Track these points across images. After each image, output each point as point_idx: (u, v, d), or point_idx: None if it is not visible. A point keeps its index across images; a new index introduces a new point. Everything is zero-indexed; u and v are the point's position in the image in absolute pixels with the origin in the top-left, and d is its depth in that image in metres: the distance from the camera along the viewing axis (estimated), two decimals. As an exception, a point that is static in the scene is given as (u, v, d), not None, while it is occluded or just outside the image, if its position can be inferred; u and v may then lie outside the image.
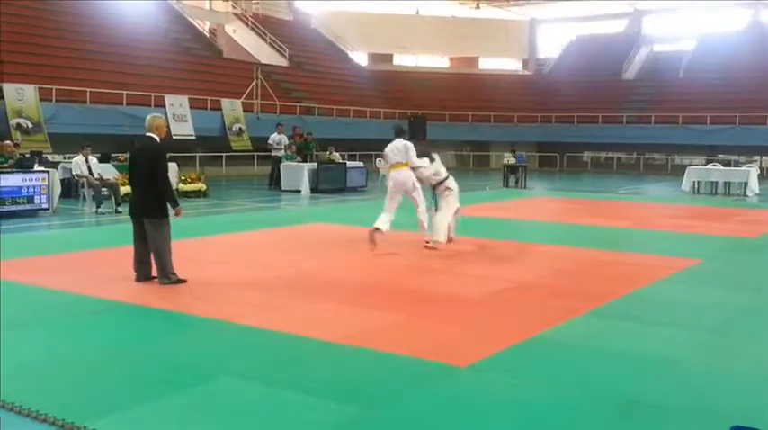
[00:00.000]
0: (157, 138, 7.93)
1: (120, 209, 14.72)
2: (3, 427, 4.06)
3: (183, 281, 7.80)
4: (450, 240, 10.83)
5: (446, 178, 11.07)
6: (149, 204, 7.80)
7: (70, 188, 17.13)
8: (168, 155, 8.52)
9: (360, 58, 45.27)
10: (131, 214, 8.07)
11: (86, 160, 15.90)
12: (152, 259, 7.88)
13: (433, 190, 11.23)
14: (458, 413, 4.40)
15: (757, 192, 22.33)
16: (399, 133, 11.31)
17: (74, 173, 16.23)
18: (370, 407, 4.51)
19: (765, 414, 4.43)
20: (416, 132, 25.41)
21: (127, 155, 13.71)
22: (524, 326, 6.36)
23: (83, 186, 16.37)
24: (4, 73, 21.54)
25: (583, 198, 21.19)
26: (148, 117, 8.11)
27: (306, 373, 5.15)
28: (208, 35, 37.26)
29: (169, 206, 7.89)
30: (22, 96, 21.55)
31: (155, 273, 7.87)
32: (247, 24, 37.94)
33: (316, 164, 21.28)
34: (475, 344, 5.85)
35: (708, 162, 27.35)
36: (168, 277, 7.76)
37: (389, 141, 11.26)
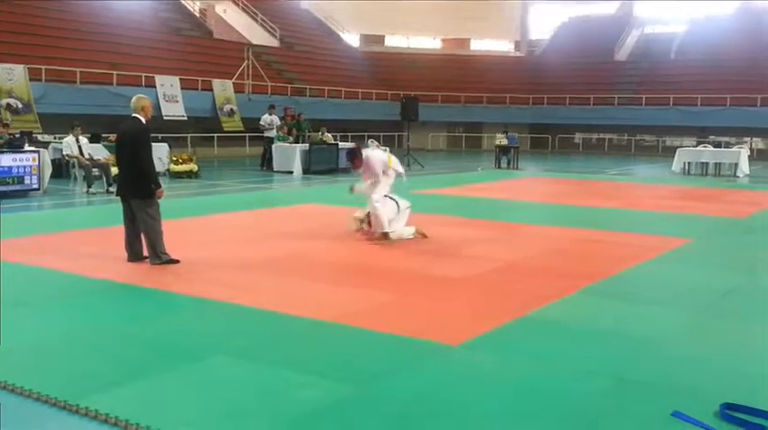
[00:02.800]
0: (143, 120, 7.93)
1: (111, 189, 14.67)
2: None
3: (176, 261, 7.81)
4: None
5: None
6: (135, 185, 7.84)
7: (61, 168, 17.09)
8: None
9: (351, 38, 45.05)
10: (119, 195, 8.14)
11: (77, 140, 15.85)
12: (143, 239, 7.90)
13: None
14: (450, 391, 4.44)
15: (747, 173, 22.44)
16: None
17: (64, 153, 16.18)
18: (363, 385, 4.54)
19: (754, 393, 4.46)
20: (407, 114, 25.33)
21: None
22: (515, 306, 6.40)
23: (74, 166, 16.31)
24: (-8, 53, 21.39)
25: (574, 179, 21.23)
26: (134, 98, 8.14)
27: (298, 352, 5.18)
28: (198, 15, 37.00)
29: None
30: (12, 76, 21.38)
31: (146, 252, 7.89)
32: (238, 4, 37.67)
33: (308, 145, 21.24)
34: (466, 324, 5.88)
35: (698, 143, 27.46)
36: (159, 257, 7.77)
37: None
